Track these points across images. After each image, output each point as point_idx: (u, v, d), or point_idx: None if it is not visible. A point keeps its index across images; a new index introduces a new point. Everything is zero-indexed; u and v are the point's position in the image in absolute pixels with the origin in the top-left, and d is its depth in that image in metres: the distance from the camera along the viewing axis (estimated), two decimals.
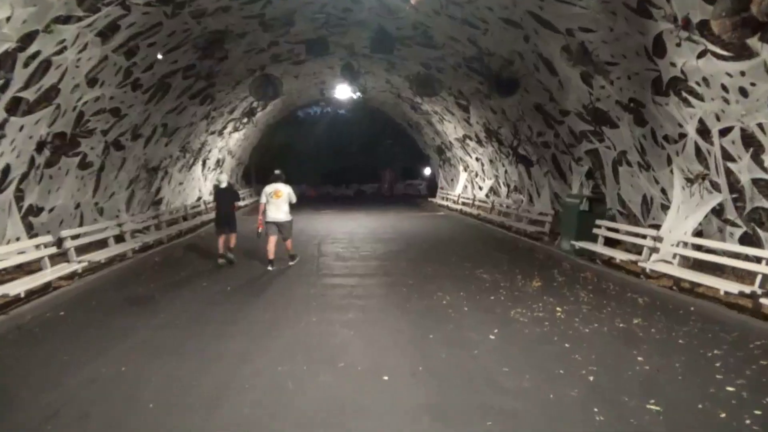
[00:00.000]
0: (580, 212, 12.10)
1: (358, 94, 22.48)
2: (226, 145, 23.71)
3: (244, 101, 20.38)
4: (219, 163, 24.04)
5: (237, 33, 12.59)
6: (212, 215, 19.65)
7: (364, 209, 25.57)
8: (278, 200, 10.70)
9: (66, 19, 7.88)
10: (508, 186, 19.74)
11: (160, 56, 11.14)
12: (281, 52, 15.64)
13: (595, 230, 11.65)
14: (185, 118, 15.70)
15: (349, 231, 17.50)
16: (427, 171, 36.17)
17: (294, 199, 10.95)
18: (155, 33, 10.21)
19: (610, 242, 11.44)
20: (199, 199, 21.25)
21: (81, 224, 11.86)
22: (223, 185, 11.85)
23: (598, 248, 11.22)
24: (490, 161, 20.92)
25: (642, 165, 10.69)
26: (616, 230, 11.30)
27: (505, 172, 19.71)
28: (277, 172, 11.23)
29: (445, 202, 26.17)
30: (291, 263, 11.13)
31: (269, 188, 10.75)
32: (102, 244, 11.34)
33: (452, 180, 27.81)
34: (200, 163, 20.88)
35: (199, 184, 21.69)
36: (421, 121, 26.94)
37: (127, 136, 12.63)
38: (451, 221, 20.55)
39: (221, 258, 11.17)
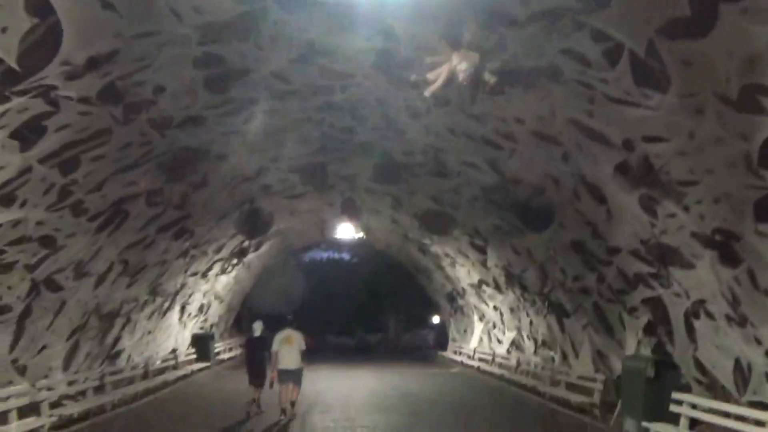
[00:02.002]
0: (647, 381, 9.14)
1: (361, 234, 20.41)
2: (212, 288, 21.15)
3: (234, 239, 18.21)
4: (203, 310, 21.29)
5: (215, 154, 10.65)
6: (183, 372, 16.75)
7: (365, 363, 22.27)
8: (290, 347, 10.75)
9: None
10: (535, 341, 16.72)
11: None
12: (272, 182, 13.72)
13: (674, 407, 8.61)
14: (154, 255, 13.32)
15: (345, 394, 14.28)
16: (436, 319, 33.09)
17: (304, 346, 10.96)
18: (102, 143, 8.16)
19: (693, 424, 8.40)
20: (173, 351, 18.20)
21: None
22: (257, 334, 11.88)
23: None
24: (511, 310, 18.11)
25: (733, 319, 7.95)
26: (711, 409, 8.23)
27: (530, 323, 16.82)
28: (289, 317, 11.59)
29: (458, 357, 22.84)
30: (289, 416, 10.55)
31: (281, 335, 10.89)
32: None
33: (465, 331, 24.72)
34: (177, 308, 18.15)
35: (175, 334, 18.77)
36: (430, 265, 24.59)
37: (68, 273, 10.13)
38: (468, 382, 17.24)
39: (252, 407, 11.19)
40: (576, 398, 11.52)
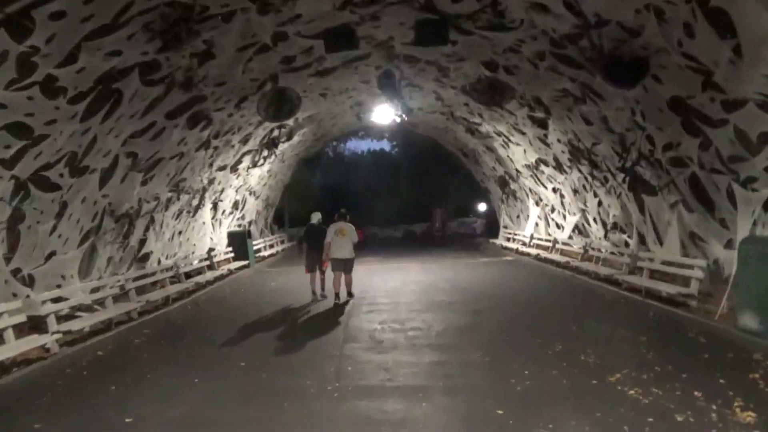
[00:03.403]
0: None
1: (402, 115, 18.19)
2: (245, 183, 19.77)
3: (261, 128, 16.42)
4: (237, 206, 20.08)
5: (216, 12, 8.53)
6: (220, 272, 15.79)
7: (413, 254, 21.00)
8: (343, 238, 11.38)
9: None
10: (604, 223, 14.82)
11: None
12: (295, 53, 11.55)
13: None
14: (167, 146, 11.70)
15: (393, 290, 13.00)
16: (483, 207, 31.36)
17: (356, 238, 11.61)
18: None
19: None
20: (210, 250, 17.20)
21: None
22: (314, 221, 12.34)
23: None
24: (575, 191, 16.08)
25: None
26: None
27: (599, 204, 14.84)
28: (342, 210, 12.01)
29: (511, 245, 21.27)
30: (343, 299, 11.32)
31: (334, 227, 11.50)
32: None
33: (518, 217, 22.98)
34: (209, 206, 16.90)
35: (210, 233, 17.70)
36: (479, 147, 22.43)
37: (60, 169, 8.60)
38: (526, 271, 15.69)
39: (314, 295, 11.91)
40: (668, 289, 9.72)
